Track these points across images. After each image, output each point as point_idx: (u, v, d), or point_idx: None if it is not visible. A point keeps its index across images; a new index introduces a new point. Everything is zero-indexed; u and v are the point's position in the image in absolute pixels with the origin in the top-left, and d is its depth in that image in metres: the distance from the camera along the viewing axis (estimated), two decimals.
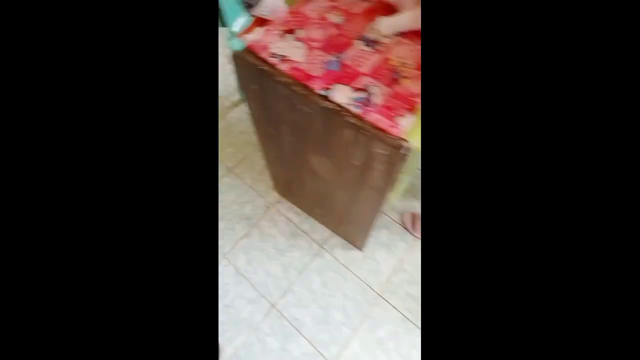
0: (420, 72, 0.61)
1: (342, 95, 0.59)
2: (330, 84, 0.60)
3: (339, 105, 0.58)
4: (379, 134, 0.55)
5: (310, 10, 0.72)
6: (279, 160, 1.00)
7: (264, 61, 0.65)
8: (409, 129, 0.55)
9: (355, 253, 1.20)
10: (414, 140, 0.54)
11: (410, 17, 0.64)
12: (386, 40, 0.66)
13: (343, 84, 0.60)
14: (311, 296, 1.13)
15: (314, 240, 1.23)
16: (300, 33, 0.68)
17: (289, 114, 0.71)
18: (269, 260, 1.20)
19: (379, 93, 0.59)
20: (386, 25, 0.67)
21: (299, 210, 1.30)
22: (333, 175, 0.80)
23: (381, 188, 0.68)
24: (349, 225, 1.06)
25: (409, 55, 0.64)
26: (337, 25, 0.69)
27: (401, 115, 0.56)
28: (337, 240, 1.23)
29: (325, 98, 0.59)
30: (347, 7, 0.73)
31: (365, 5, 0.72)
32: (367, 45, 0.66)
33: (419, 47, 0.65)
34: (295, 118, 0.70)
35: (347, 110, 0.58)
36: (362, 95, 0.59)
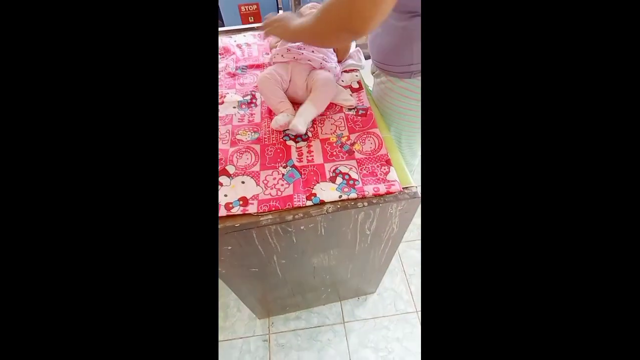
0: (359, 133, 0.68)
1: (329, 192, 0.58)
2: (309, 191, 0.59)
3: (336, 202, 0.58)
4: (387, 197, 0.58)
5: (220, 144, 0.67)
6: (266, 289, 0.87)
7: (231, 217, 0.56)
8: (399, 176, 0.61)
9: (372, 298, 1.19)
10: (411, 180, 0.60)
11: (313, 106, 0.68)
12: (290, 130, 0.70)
13: (320, 182, 0.60)
14: None
15: (334, 325, 1.13)
16: (231, 168, 0.63)
17: (278, 245, 0.64)
18: None
19: (352, 169, 0.62)
20: (302, 122, 0.66)
21: (297, 313, 1.16)
22: (342, 258, 0.77)
23: (397, 234, 0.71)
24: (361, 284, 1.04)
25: (336, 126, 0.70)
26: (257, 140, 0.67)
27: (387, 172, 0.61)
28: (349, 305, 1.17)
29: (320, 204, 0.57)
30: (250, 118, 0.72)
31: (265, 107, 0.73)
32: (297, 141, 0.67)
33: (336, 115, 0.72)
34: (285, 244, 0.64)
35: (346, 200, 0.58)
36: (342, 180, 0.60)
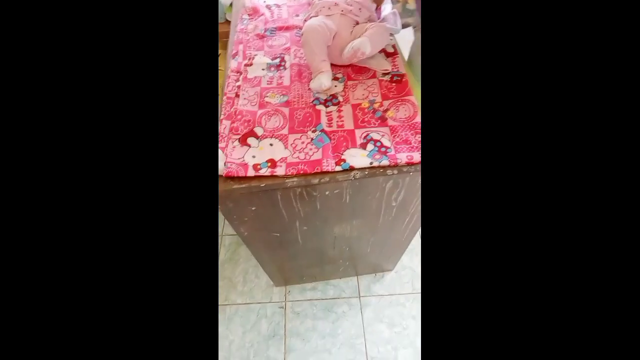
0: (393, 100, 0.64)
1: (359, 158, 0.56)
2: (338, 157, 0.57)
3: (366, 168, 0.55)
4: (419, 166, 0.55)
5: (245, 105, 0.65)
6: (286, 256, 0.88)
7: (257, 178, 0.55)
8: None
9: (389, 276, 1.18)
10: None
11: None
12: (336, 90, 0.67)
13: (350, 148, 0.58)
14: (398, 339, 1.05)
15: (350, 298, 1.14)
16: (259, 130, 0.61)
17: (301, 210, 0.63)
18: (330, 354, 1.05)
19: (384, 136, 0.59)
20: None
21: (313, 284, 1.18)
22: (364, 230, 0.76)
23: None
24: (380, 260, 1.03)
25: (369, 92, 0.66)
26: (286, 103, 0.65)
27: (420, 141, 0.57)
28: (366, 281, 1.18)
29: (349, 170, 0.55)
30: (279, 81, 0.69)
31: (295, 70, 0.71)
32: (328, 105, 0.65)
33: (369, 81, 0.69)
34: (308, 209, 0.63)
35: (376, 168, 0.55)
36: (374, 146, 0.58)
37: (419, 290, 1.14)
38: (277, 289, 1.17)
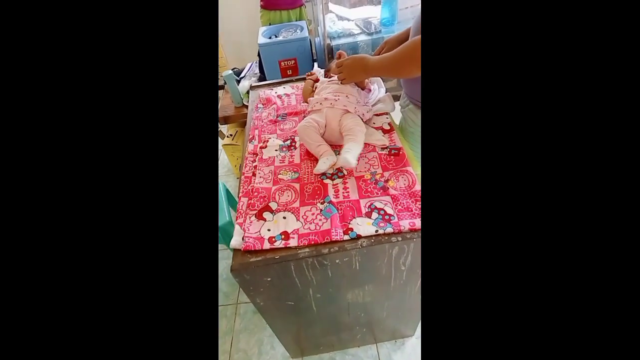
0: (392, 171, 0.72)
1: (365, 227, 0.61)
2: (346, 226, 0.62)
3: (372, 236, 0.60)
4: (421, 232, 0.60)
5: (260, 183, 0.74)
6: (301, 325, 0.87)
7: (272, 250, 0.60)
8: None
9: (410, 342, 1.12)
10: None
11: (355, 142, 0.74)
12: (342, 165, 0.75)
13: (356, 217, 0.63)
14: None
15: None
16: (274, 205, 0.69)
17: (314, 278, 0.66)
18: None
19: (387, 204, 0.65)
20: (352, 156, 0.70)
21: (330, 354, 1.12)
22: (377, 295, 0.77)
23: None
24: (398, 325, 1.00)
25: (370, 164, 0.74)
26: (297, 179, 0.74)
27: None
28: (386, 349, 1.12)
29: (356, 239, 0.60)
30: (290, 159, 0.79)
31: (304, 149, 0.81)
32: (334, 179, 0.73)
33: (369, 154, 0.77)
34: (320, 277, 0.66)
35: (382, 235, 0.60)
36: (378, 215, 0.63)
37: None
38: None
